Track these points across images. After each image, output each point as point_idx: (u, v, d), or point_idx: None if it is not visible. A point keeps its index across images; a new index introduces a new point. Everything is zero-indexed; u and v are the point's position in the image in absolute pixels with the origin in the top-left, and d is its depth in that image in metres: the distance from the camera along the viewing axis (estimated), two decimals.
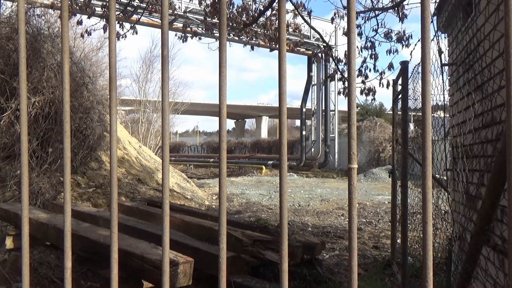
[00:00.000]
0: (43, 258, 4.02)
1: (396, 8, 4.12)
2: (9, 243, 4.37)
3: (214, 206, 10.49)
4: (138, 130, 20.55)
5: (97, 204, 7.20)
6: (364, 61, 5.06)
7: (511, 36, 0.84)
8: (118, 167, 10.16)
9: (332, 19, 5.55)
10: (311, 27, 4.55)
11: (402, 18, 4.30)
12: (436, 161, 5.28)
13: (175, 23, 19.53)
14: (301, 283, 4.33)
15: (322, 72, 23.18)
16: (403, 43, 4.75)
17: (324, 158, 23.10)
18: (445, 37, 3.51)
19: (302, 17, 4.68)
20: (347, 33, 0.97)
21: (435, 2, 3.62)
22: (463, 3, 3.02)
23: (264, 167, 24.70)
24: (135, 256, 2.90)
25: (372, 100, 5.33)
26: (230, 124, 71.76)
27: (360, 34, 4.89)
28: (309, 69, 24.08)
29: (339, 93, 5.25)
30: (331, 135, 23.12)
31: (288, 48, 20.49)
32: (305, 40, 21.55)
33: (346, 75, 5.45)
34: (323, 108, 23.05)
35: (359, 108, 50.73)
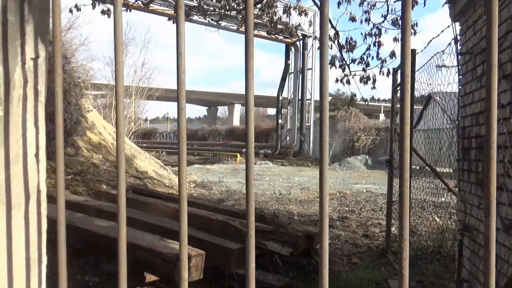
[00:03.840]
0: None
1: None
2: None
3: (195, 194, 10.28)
4: (111, 115, 19.81)
5: (76, 191, 6.84)
6: (368, 48, 4.99)
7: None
8: (95, 153, 9.72)
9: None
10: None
11: (413, 5, 4.23)
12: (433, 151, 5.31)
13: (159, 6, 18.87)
14: (300, 273, 4.26)
15: (300, 61, 23.13)
16: (412, 31, 4.70)
17: (299, 146, 23.22)
18: (459, 26, 3.46)
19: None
20: (320, 24, 0.90)
21: None
22: None
23: (238, 154, 24.56)
24: (142, 249, 2.72)
25: (372, 88, 5.29)
26: (202, 111, 70.94)
27: (368, 20, 4.79)
28: (287, 57, 23.97)
29: (336, 80, 5.17)
30: (306, 124, 23.23)
31: (269, 35, 20.06)
32: (282, 28, 21.38)
33: (347, 62, 5.39)
34: (300, 97, 23.07)
35: (330, 98, 51.31)
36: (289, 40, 23.10)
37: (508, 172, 2.51)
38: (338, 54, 4.93)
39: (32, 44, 0.93)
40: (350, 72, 5.15)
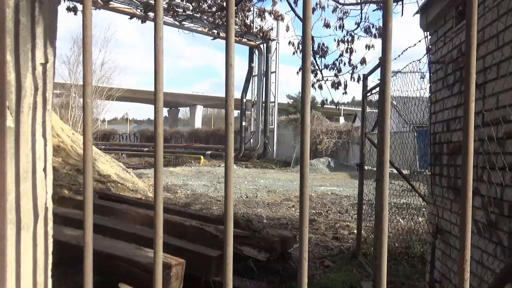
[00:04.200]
0: None
1: (380, 3, 4.20)
2: None
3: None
4: (67, 115, 18.93)
5: None
6: (341, 55, 5.09)
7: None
8: (54, 156, 9.27)
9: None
10: None
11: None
12: (398, 154, 5.49)
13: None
14: (276, 277, 4.26)
15: (264, 64, 23.27)
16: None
17: (263, 149, 23.33)
18: (429, 35, 3.60)
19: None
20: (303, 30, 0.91)
21: (416, 1, 3.69)
22: (456, 3, 3.10)
23: (202, 157, 24.33)
24: (120, 259, 2.59)
25: (343, 94, 5.40)
26: (163, 112, 69.51)
27: (341, 27, 4.90)
28: (251, 60, 24.02)
29: (312, 85, 5.22)
30: (270, 127, 23.40)
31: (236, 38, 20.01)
32: (246, 30, 21.44)
33: (319, 67, 5.47)
34: (264, 99, 23.21)
35: (293, 101, 51.91)
36: (253, 43, 23.19)
37: (481, 177, 2.63)
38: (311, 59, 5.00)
39: (42, 48, 0.84)
40: (323, 77, 5.25)
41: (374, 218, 4.28)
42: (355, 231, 6.46)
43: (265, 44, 23.15)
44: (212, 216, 5.04)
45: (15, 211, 0.78)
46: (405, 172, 5.59)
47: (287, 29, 5.00)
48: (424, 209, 8.27)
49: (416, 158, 16.98)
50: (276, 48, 23.65)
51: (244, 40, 22.68)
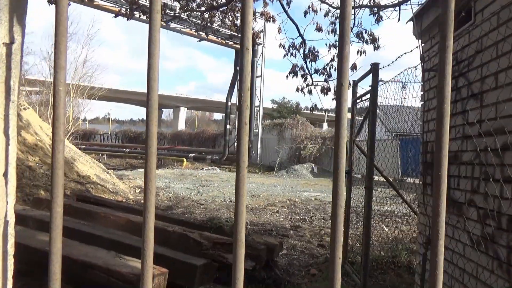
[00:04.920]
0: None
1: (374, 9, 4.12)
2: None
3: (142, 201, 9.76)
4: (47, 113, 18.37)
5: None
6: (332, 59, 5.00)
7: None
8: (30, 155, 8.90)
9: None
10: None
11: (378, 20, 4.31)
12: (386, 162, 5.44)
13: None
14: (261, 286, 4.13)
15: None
16: (375, 44, 4.79)
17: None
18: (422, 43, 3.55)
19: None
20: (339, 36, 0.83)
21: (411, 6, 3.64)
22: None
23: (185, 159, 24.02)
24: (98, 269, 2.41)
25: (333, 99, 5.31)
26: (145, 113, 68.78)
27: (334, 32, 4.82)
28: (236, 63, 23.94)
29: (297, 90, 5.14)
30: (254, 131, 23.31)
31: (219, 41, 19.96)
32: (232, 33, 21.34)
33: (310, 72, 5.38)
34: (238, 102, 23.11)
35: (276, 106, 52.07)
36: (238, 46, 23.11)
37: (477, 188, 2.57)
38: (300, 63, 4.93)
39: (6, 24, 0.69)
40: (313, 82, 5.16)
41: (363, 228, 4.20)
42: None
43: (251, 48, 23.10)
44: (196, 222, 4.88)
45: None
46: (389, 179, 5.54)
47: (279, 30, 4.91)
48: (407, 217, 8.29)
49: (399, 166, 17.17)
50: (262, 52, 23.65)
51: (231, 43, 22.59)
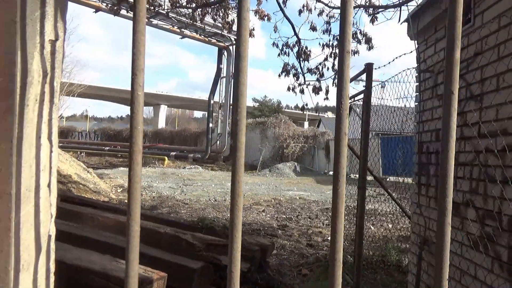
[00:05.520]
0: None
1: (368, 9, 4.13)
2: None
3: (126, 201, 9.56)
4: None
5: None
6: (325, 59, 5.00)
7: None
8: None
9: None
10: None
11: (372, 20, 4.32)
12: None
13: None
14: (253, 287, 4.09)
15: (232, 66, 23.08)
16: (369, 45, 4.81)
17: (229, 151, 23.10)
18: (417, 44, 3.58)
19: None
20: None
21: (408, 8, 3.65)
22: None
23: (166, 158, 23.73)
24: (95, 274, 2.32)
25: (325, 99, 5.32)
26: (125, 110, 67.71)
27: (328, 31, 4.81)
28: (219, 61, 23.79)
29: (288, 89, 5.11)
30: None
31: (203, 38, 19.75)
32: (216, 31, 21.17)
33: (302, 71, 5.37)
34: (231, 101, 23.01)
35: (258, 104, 52.03)
36: (222, 44, 22.96)
37: (476, 189, 2.59)
38: (291, 62, 4.91)
39: (52, 19, 0.62)
40: (305, 81, 5.15)
41: (356, 228, 4.21)
42: (329, 238, 6.42)
43: (234, 46, 23.00)
44: (186, 222, 4.79)
45: (13, 247, 0.55)
46: (369, 178, 5.60)
47: (275, 29, 4.87)
48: (390, 216, 8.41)
49: (380, 165, 17.42)
50: None
51: (213, 41, 22.42)
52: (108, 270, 2.33)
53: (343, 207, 0.70)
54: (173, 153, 25.08)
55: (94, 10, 18.31)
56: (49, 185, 0.63)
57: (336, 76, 3.42)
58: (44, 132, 0.61)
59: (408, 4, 3.28)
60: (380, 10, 3.85)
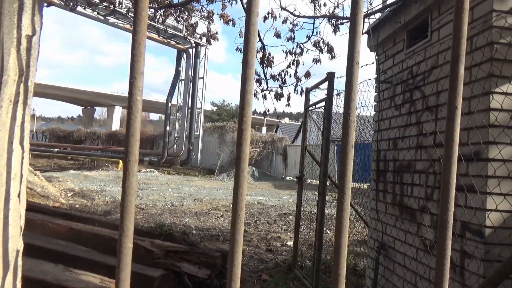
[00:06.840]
0: None
1: (331, 20, 4.24)
2: None
3: (77, 206, 9.11)
4: None
5: None
6: (288, 66, 5.05)
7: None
8: None
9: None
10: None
11: (335, 30, 4.44)
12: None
13: None
14: None
15: (191, 69, 22.82)
16: (331, 54, 4.93)
17: (187, 155, 22.76)
18: (376, 56, 3.71)
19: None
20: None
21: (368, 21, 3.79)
22: (408, 26, 3.22)
23: (121, 161, 22.94)
24: (47, 285, 2.17)
25: (286, 105, 5.38)
26: (76, 111, 64.92)
27: (292, 39, 4.87)
28: (178, 64, 23.42)
29: (255, 94, 5.11)
30: (195, 133, 22.94)
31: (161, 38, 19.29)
32: (175, 33, 20.84)
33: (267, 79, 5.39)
34: (190, 105, 22.71)
35: (216, 108, 51.83)
36: (181, 46, 22.64)
37: (430, 196, 2.71)
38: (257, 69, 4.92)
39: (29, 12, 0.56)
40: (268, 87, 5.19)
41: (315, 233, 4.26)
42: (288, 243, 6.48)
43: (193, 49, 22.76)
44: (144, 228, 4.64)
45: None
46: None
47: (240, 34, 4.86)
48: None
49: (336, 171, 17.88)
50: (205, 54, 23.39)
51: (173, 42, 22.05)
52: (61, 281, 2.19)
53: (347, 220, 0.68)
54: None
55: (45, 4, 17.42)
56: (19, 195, 0.57)
57: (297, 84, 3.46)
58: (17, 137, 0.54)
59: (370, 17, 3.40)
60: (344, 21, 3.99)
